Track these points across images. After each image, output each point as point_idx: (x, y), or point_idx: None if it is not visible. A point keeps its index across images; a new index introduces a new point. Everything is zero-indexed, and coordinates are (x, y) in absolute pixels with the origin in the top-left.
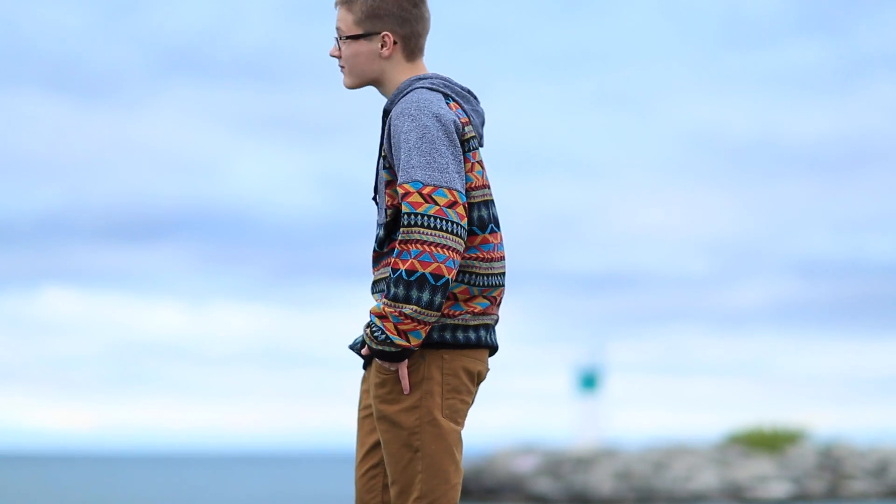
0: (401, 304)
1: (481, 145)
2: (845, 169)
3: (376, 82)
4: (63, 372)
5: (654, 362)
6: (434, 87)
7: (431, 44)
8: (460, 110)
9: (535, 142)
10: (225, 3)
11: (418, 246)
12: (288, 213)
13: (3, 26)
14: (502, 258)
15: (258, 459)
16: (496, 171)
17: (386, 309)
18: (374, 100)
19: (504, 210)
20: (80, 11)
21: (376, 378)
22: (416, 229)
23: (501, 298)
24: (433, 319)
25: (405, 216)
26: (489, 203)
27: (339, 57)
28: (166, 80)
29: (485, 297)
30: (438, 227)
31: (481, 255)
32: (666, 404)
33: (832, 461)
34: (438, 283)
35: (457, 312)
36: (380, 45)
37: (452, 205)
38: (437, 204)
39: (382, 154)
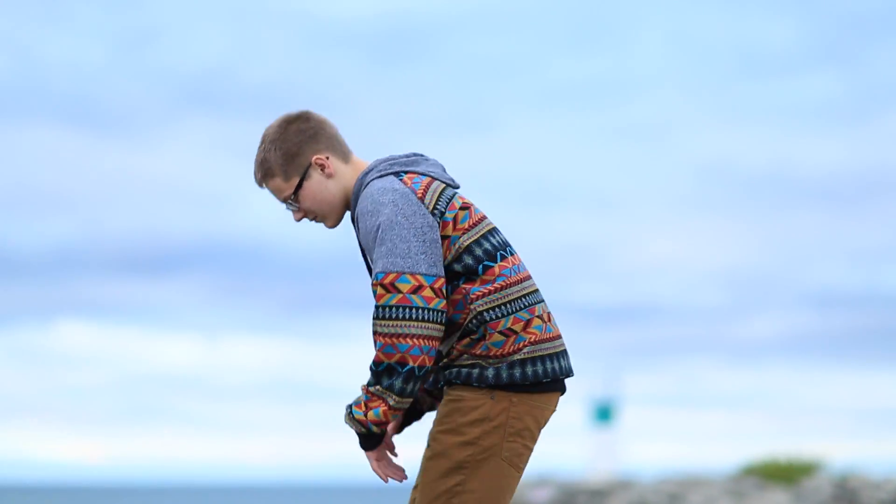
0: (372, 387)
1: (457, 187)
2: (859, 200)
3: (345, 202)
4: (76, 404)
5: (668, 394)
6: (381, 172)
7: (457, 74)
8: (416, 178)
9: (549, 173)
10: (239, 37)
11: (381, 339)
12: (301, 247)
13: (20, 60)
14: (528, 277)
15: (270, 491)
16: (510, 203)
17: (361, 393)
18: (391, 128)
19: (518, 241)
20: (96, 46)
21: (444, 406)
22: (378, 322)
23: (551, 315)
24: (405, 406)
25: (375, 310)
26: (489, 234)
27: (304, 214)
28: (181, 114)
29: (538, 318)
30: (399, 316)
31: (508, 282)
32: (681, 436)
33: (848, 492)
34: (404, 370)
35: (521, 345)
36: (319, 171)
37: (417, 289)
38: (399, 292)
39: (364, 256)
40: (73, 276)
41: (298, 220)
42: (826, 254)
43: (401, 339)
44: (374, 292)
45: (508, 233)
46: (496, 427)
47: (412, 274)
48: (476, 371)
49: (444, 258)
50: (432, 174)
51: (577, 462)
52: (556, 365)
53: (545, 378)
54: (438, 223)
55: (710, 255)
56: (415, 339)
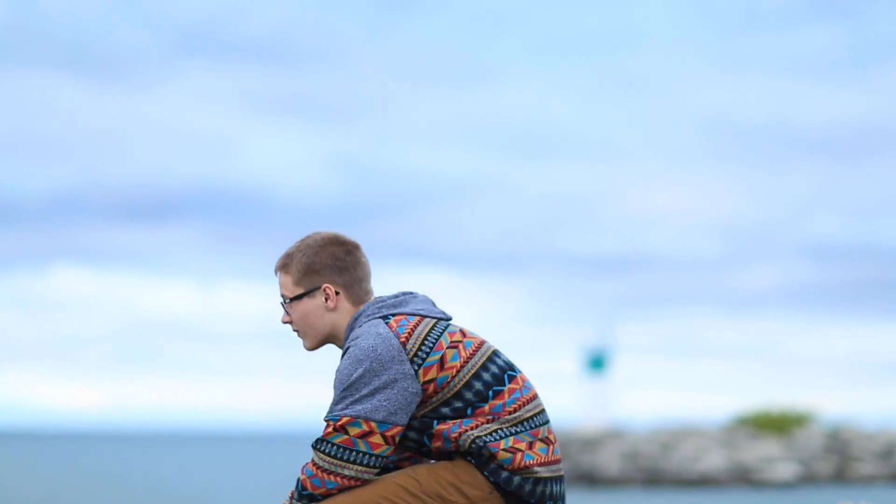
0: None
1: (449, 319)
2: (858, 153)
3: (331, 337)
4: (73, 350)
5: (662, 344)
6: (369, 316)
7: (458, 26)
8: (403, 320)
9: (549, 124)
10: None
11: (313, 468)
12: (299, 194)
13: (20, 7)
14: (532, 399)
15: (266, 438)
16: (510, 154)
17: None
18: (391, 80)
19: (515, 194)
20: None
21: (452, 465)
22: (317, 454)
23: (555, 437)
24: None
25: (316, 441)
26: (488, 362)
27: (290, 322)
28: (180, 61)
29: (541, 441)
30: (337, 455)
31: (504, 413)
32: (674, 386)
33: (839, 444)
34: (316, 495)
35: (529, 462)
36: (324, 299)
37: (366, 435)
38: (346, 434)
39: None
40: (71, 222)
41: (283, 322)
42: (823, 206)
43: (330, 476)
44: (325, 426)
45: (507, 183)
46: None
47: (366, 420)
48: (493, 465)
49: (428, 400)
50: (421, 312)
51: (571, 411)
52: (555, 489)
53: (547, 502)
54: (417, 370)
55: (708, 206)
56: (344, 480)
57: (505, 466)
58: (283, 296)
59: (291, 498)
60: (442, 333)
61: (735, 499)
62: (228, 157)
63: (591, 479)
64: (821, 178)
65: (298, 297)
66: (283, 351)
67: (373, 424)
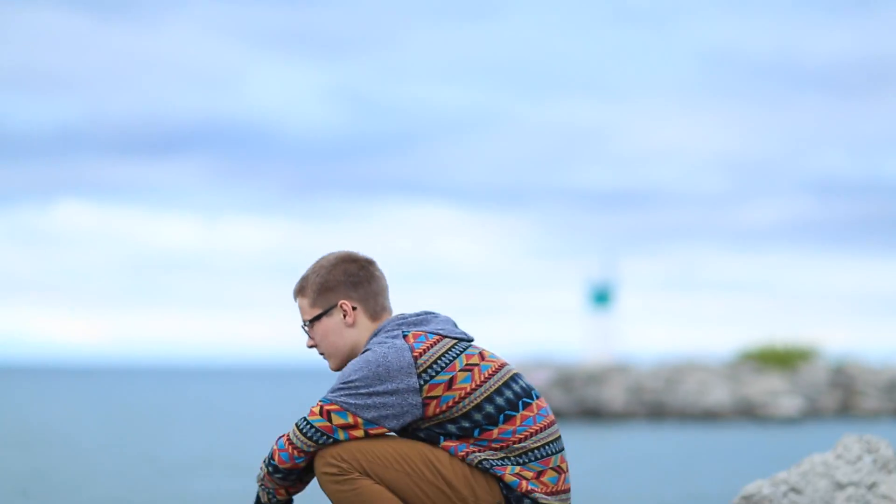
0: (267, 479)
1: (470, 340)
2: (863, 89)
3: (354, 354)
4: (76, 284)
5: (667, 279)
6: (388, 332)
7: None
8: (421, 336)
9: (552, 58)
10: None
11: (287, 445)
12: (304, 128)
13: None
14: (546, 427)
15: (271, 372)
16: (513, 89)
17: (264, 479)
18: (392, 13)
19: (520, 128)
20: None
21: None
22: (296, 432)
23: (567, 465)
24: (271, 485)
25: (301, 419)
26: (504, 387)
27: (315, 345)
28: None
29: (552, 470)
30: (313, 438)
31: (512, 440)
32: (678, 321)
33: (844, 378)
34: (280, 469)
35: (533, 490)
36: (342, 316)
37: (348, 428)
38: (329, 421)
39: None
40: (75, 156)
41: (308, 346)
42: (828, 142)
43: (299, 454)
44: (313, 407)
45: (511, 118)
46: None
47: (353, 414)
48: (503, 483)
49: (427, 414)
50: (441, 332)
51: (575, 345)
52: None
53: None
54: (423, 385)
55: (712, 141)
56: (297, 453)
57: (514, 489)
58: (303, 320)
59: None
60: (458, 355)
61: (739, 433)
62: (233, 92)
63: (596, 414)
64: (826, 113)
65: (317, 318)
66: (287, 284)
67: (359, 420)
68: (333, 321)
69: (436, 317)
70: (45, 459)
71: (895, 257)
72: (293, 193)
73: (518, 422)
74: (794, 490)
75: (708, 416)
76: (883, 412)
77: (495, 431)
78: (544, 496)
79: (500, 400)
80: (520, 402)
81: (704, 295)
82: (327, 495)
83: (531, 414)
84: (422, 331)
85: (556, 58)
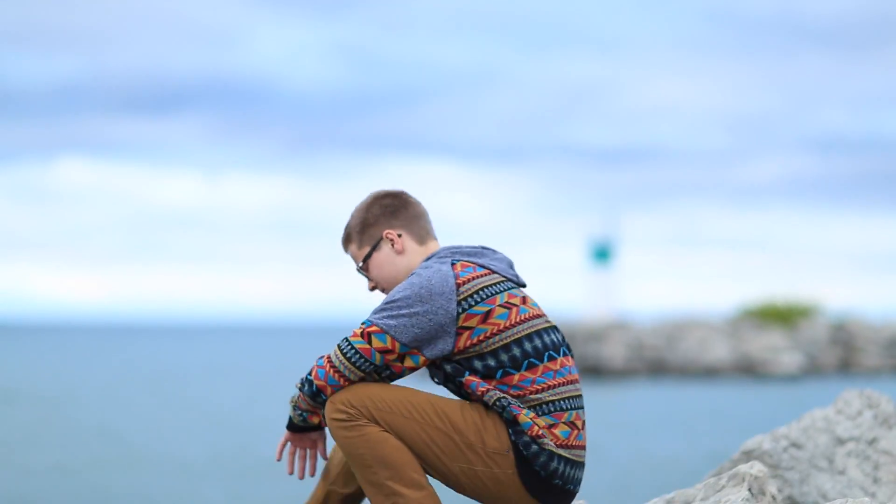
0: (301, 399)
1: (522, 285)
2: (864, 45)
3: None
4: (77, 241)
5: (668, 235)
6: (441, 258)
7: None
8: (469, 267)
9: (554, 14)
10: None
11: (328, 364)
12: (304, 85)
13: None
14: (566, 383)
15: (272, 329)
16: (514, 44)
17: (300, 401)
18: None
19: (522, 85)
20: None
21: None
22: (338, 352)
23: (583, 422)
24: (304, 406)
25: (343, 340)
26: (524, 339)
27: (374, 285)
28: None
29: (564, 424)
30: (353, 361)
31: (529, 390)
32: (679, 277)
33: (844, 335)
34: (314, 389)
35: (544, 436)
36: (390, 245)
37: (385, 352)
38: (369, 344)
39: None
40: (76, 113)
41: (370, 289)
42: (830, 98)
43: (335, 375)
44: (355, 328)
45: (512, 74)
46: (478, 463)
47: (392, 338)
48: (517, 427)
49: (463, 349)
50: (493, 267)
51: (576, 302)
52: (570, 472)
53: (555, 480)
54: (460, 314)
55: (714, 98)
56: (346, 382)
57: (525, 431)
58: (358, 268)
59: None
60: (501, 292)
61: (740, 390)
62: (234, 48)
63: (597, 371)
64: (827, 69)
65: (368, 256)
66: (288, 242)
67: (396, 344)
68: (383, 254)
69: (494, 253)
70: (51, 417)
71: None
72: (294, 150)
73: (539, 372)
74: (795, 445)
75: (708, 373)
76: (883, 369)
77: (516, 377)
78: (554, 446)
79: (528, 346)
80: (546, 354)
81: (705, 252)
82: (336, 441)
83: (553, 368)
84: (472, 262)
85: (558, 14)
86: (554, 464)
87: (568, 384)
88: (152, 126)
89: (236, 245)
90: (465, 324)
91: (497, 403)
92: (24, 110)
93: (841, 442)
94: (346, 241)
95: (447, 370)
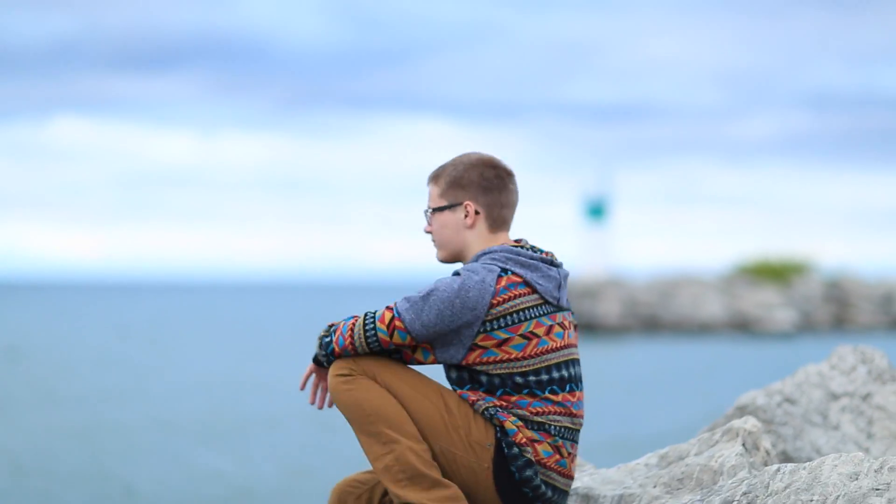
0: (322, 336)
1: (562, 309)
2: (860, 1)
3: (461, 256)
4: (72, 199)
5: (662, 193)
6: (494, 261)
7: None
8: (514, 283)
9: None
10: None
11: (349, 333)
12: (300, 42)
13: None
14: (564, 414)
15: (267, 287)
16: (510, 2)
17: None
18: None
19: (516, 42)
20: None
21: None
22: (362, 334)
23: (572, 456)
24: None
25: (370, 316)
26: (529, 373)
27: (430, 232)
28: None
29: (549, 445)
30: (369, 341)
31: (524, 411)
32: (673, 234)
33: (838, 292)
34: (329, 350)
35: (525, 444)
36: (463, 215)
37: (402, 347)
38: (390, 337)
39: None
40: (70, 70)
41: (425, 231)
42: (824, 54)
43: (351, 348)
44: (388, 308)
45: (506, 31)
46: (460, 445)
47: (413, 337)
48: (502, 430)
49: (468, 359)
50: (539, 287)
51: (570, 259)
52: (545, 492)
53: (524, 488)
54: (479, 332)
55: (708, 55)
56: (348, 345)
57: (510, 436)
58: (428, 205)
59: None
60: (530, 319)
61: (734, 346)
62: (229, 5)
63: (591, 327)
64: (821, 25)
65: (440, 209)
66: (283, 199)
67: (412, 342)
68: (454, 217)
69: (549, 269)
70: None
71: (890, 170)
72: (290, 108)
73: (538, 398)
74: (789, 400)
75: (702, 330)
76: (877, 325)
77: (514, 398)
78: (533, 458)
79: (532, 378)
80: (549, 388)
81: (699, 208)
82: (335, 397)
83: (555, 399)
84: (520, 276)
85: None
86: (530, 473)
87: (565, 415)
88: (148, 84)
89: (231, 202)
90: (481, 343)
91: (486, 412)
92: (20, 68)
93: (835, 397)
94: (434, 179)
95: (451, 375)
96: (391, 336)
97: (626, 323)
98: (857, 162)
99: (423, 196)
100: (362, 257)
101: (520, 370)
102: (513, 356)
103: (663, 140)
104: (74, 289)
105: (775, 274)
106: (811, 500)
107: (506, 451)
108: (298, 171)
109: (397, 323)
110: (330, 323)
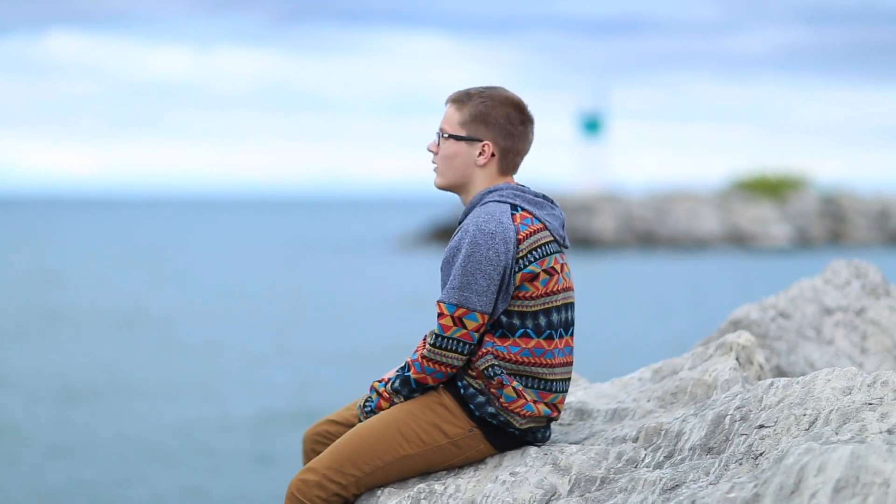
0: (393, 395)
1: (564, 247)
2: None
3: (462, 189)
4: (68, 114)
5: (658, 107)
6: (503, 198)
7: None
8: (529, 219)
9: None
10: None
11: (439, 368)
12: None
13: None
14: (565, 364)
15: (262, 202)
16: None
17: (384, 391)
18: None
19: None
20: None
21: (430, 398)
22: (435, 349)
23: (563, 405)
24: (383, 402)
25: (434, 336)
26: (552, 311)
27: (435, 153)
28: None
29: (545, 405)
30: (455, 349)
31: (533, 361)
32: (669, 150)
33: (833, 207)
34: (419, 384)
35: (525, 413)
36: (478, 153)
37: (479, 328)
38: (465, 328)
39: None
40: None
41: (429, 149)
42: None
43: (440, 367)
44: (440, 315)
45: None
46: (453, 451)
47: (481, 313)
48: (482, 399)
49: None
50: (548, 224)
51: (565, 175)
52: (541, 432)
53: (526, 435)
54: (517, 271)
55: None
56: (446, 368)
57: (498, 398)
58: (442, 128)
59: (378, 391)
60: (550, 255)
61: (729, 262)
62: None
63: (586, 242)
64: None
65: (458, 138)
66: (278, 114)
67: (485, 317)
68: (468, 151)
69: (553, 207)
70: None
71: (887, 86)
72: (285, 23)
73: (551, 346)
74: (783, 315)
75: (698, 245)
76: (873, 241)
77: (532, 342)
78: (520, 423)
79: (555, 317)
80: (559, 330)
81: (695, 123)
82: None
83: (559, 346)
84: (531, 212)
85: None
86: (527, 424)
87: (566, 365)
88: None
89: (227, 118)
90: (519, 283)
91: (488, 370)
92: None
93: (829, 312)
94: (457, 103)
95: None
96: (464, 325)
97: (622, 238)
98: (855, 77)
99: (417, 113)
100: (358, 172)
101: (544, 307)
102: (540, 291)
103: (660, 54)
104: (69, 205)
105: (771, 189)
106: (804, 415)
107: (493, 422)
108: (294, 86)
109: (459, 312)
110: (383, 388)
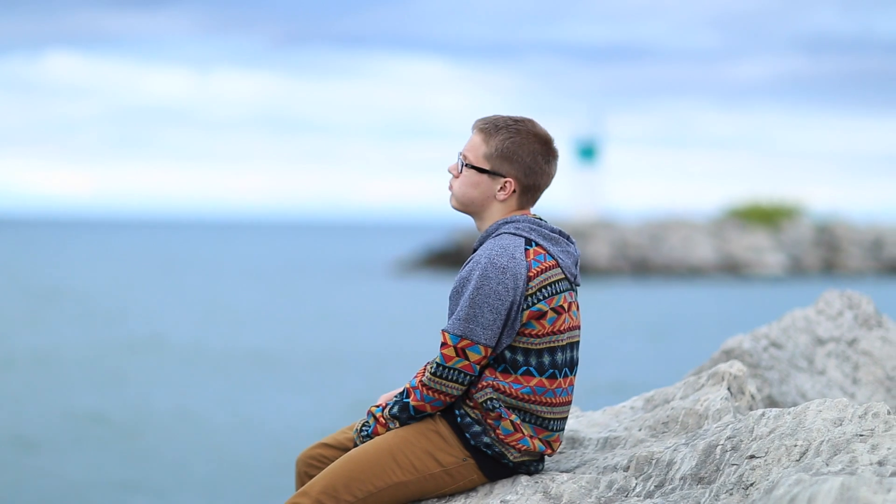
0: (390, 420)
1: (576, 285)
2: None
3: (477, 216)
4: (67, 136)
5: (655, 134)
6: (518, 231)
7: None
8: (542, 255)
9: None
10: None
11: (438, 396)
12: None
13: None
14: (564, 404)
15: (260, 225)
16: None
17: (381, 416)
18: None
19: None
20: None
21: (426, 425)
22: (435, 378)
23: (558, 445)
24: (380, 427)
25: (436, 365)
26: (556, 350)
27: (455, 176)
28: None
29: (541, 441)
30: (456, 379)
31: (535, 399)
32: (664, 177)
33: (828, 236)
34: (418, 411)
35: (520, 447)
36: (499, 188)
37: (481, 361)
38: (467, 359)
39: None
40: (65, 6)
41: (449, 171)
42: None
43: (438, 396)
44: (443, 344)
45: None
46: (446, 480)
47: (485, 346)
48: (478, 428)
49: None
50: (561, 261)
51: (560, 201)
52: (535, 464)
53: (503, 460)
54: (525, 308)
55: None
56: (445, 397)
57: (495, 430)
58: (465, 155)
59: (375, 416)
60: (559, 293)
61: (723, 290)
62: None
63: (581, 270)
64: None
65: (479, 170)
66: (276, 137)
67: (488, 350)
68: (489, 185)
69: (568, 243)
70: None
71: (883, 115)
72: (284, 46)
73: (553, 385)
74: (775, 345)
75: (692, 273)
76: (867, 270)
77: (534, 381)
78: (515, 456)
79: (559, 356)
80: (564, 370)
81: (691, 151)
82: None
83: (563, 385)
84: (545, 249)
85: None
86: (521, 457)
87: (566, 405)
88: (142, 20)
89: (225, 140)
90: (525, 321)
91: (486, 403)
92: (13, 3)
93: (821, 342)
94: (484, 133)
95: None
96: (467, 357)
97: (616, 265)
98: (850, 107)
99: (416, 137)
100: (355, 196)
101: (549, 346)
102: (546, 329)
103: (656, 81)
104: (67, 225)
105: (766, 217)
106: (795, 445)
107: (488, 452)
108: (293, 109)
109: (463, 344)
110: (376, 412)
